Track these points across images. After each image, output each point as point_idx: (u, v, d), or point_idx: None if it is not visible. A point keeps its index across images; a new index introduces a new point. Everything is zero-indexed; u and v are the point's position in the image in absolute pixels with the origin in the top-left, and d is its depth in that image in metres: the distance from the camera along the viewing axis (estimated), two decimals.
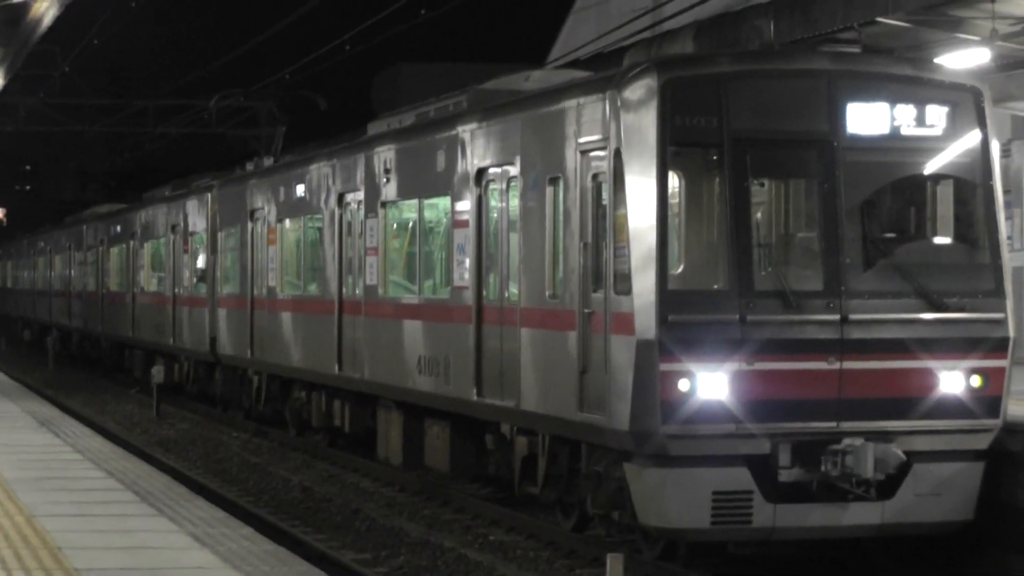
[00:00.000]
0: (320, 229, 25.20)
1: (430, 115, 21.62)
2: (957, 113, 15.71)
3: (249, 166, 33.36)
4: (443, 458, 20.61)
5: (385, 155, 22.29)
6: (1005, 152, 24.70)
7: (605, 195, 15.63)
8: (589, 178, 16.04)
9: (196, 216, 34.61)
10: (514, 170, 17.87)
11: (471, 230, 18.94)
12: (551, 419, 16.76)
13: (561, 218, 16.59)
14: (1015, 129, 25.53)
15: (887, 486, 15.11)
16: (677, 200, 15.52)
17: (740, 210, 15.12)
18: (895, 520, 15.26)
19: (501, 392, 17.98)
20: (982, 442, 15.48)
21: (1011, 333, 15.53)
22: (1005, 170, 21.81)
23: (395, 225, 22.29)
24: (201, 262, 33.99)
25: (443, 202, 20.05)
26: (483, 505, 20.36)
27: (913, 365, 15.23)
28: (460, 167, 19.41)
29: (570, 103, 16.45)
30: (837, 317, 15.09)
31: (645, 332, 14.78)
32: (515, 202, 17.84)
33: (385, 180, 22.24)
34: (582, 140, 16.13)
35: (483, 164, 18.75)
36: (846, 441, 14.91)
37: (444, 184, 19.91)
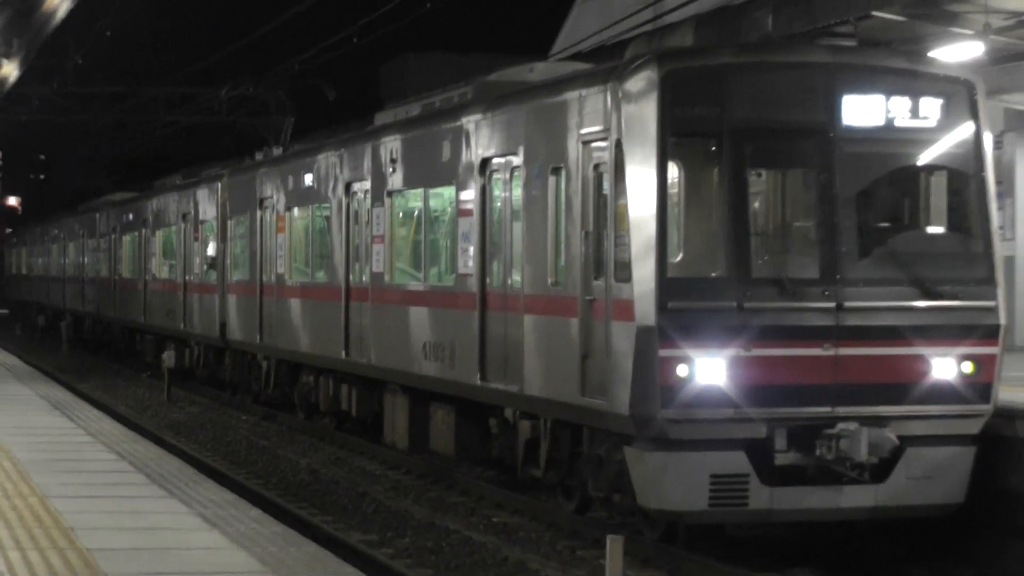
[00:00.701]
0: (328, 217, 25.30)
1: (436, 105, 21.70)
2: (951, 105, 15.83)
3: (258, 155, 33.53)
4: (448, 442, 20.72)
5: (392, 145, 22.42)
6: (998, 144, 24.79)
7: (606, 185, 15.74)
8: (591, 168, 16.16)
9: (206, 204, 34.79)
10: (518, 160, 17.98)
11: (475, 219, 19.06)
12: (553, 403, 16.92)
13: (563, 207, 16.72)
14: (1008, 121, 25.59)
15: (881, 470, 15.27)
16: (677, 190, 15.62)
17: (738, 199, 15.25)
18: (888, 503, 15.41)
19: (505, 377, 18.13)
20: (974, 427, 15.64)
21: (1002, 321, 15.68)
22: (998, 161, 21.98)
23: (401, 214, 22.35)
24: (211, 249, 34.16)
25: (448, 191, 20.15)
26: (487, 488, 20.49)
27: (907, 351, 15.38)
28: (465, 157, 19.53)
29: (572, 94, 16.58)
30: (833, 304, 15.24)
31: (645, 319, 14.94)
32: (518, 191, 17.94)
33: (391, 169, 22.39)
34: (584, 131, 16.25)
35: (487, 154, 18.87)
36: (841, 425, 15.08)
37: (449, 173, 20.04)
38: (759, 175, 15.90)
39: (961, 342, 15.52)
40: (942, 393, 15.49)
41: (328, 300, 25.04)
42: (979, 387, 15.57)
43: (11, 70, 32.11)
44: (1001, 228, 17.78)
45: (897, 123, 15.77)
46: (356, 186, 23.95)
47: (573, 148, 16.50)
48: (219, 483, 16.81)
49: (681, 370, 14.93)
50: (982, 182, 15.89)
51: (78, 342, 54.66)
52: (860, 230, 15.53)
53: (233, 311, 31.85)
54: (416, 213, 21.64)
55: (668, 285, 14.95)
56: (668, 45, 24.05)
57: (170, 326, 38.34)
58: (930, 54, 18.41)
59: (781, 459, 15.17)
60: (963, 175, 15.93)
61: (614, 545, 11.59)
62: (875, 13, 20.25)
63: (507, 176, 18.39)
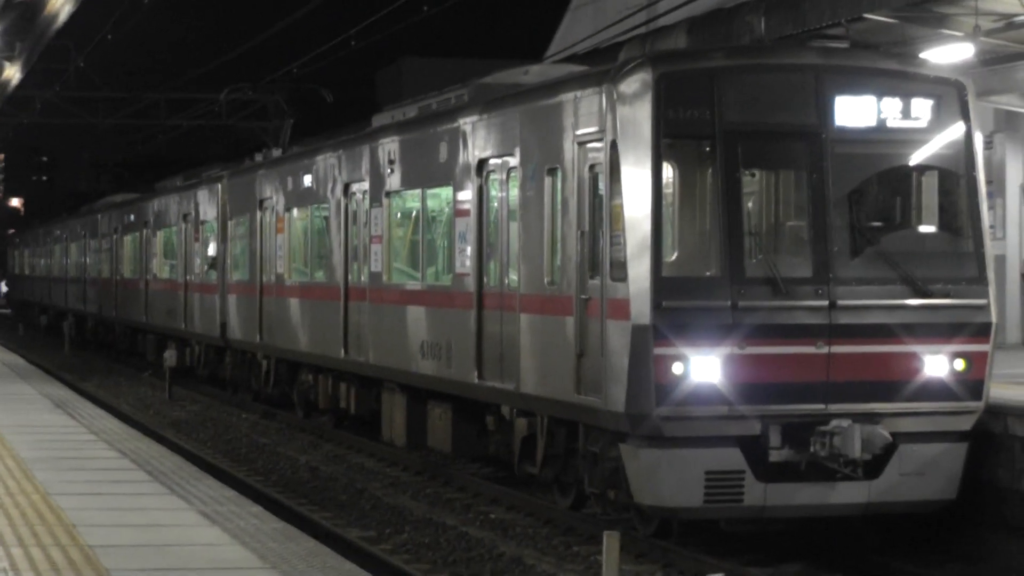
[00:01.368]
0: (327, 218, 25.36)
1: (432, 108, 21.77)
2: (941, 106, 15.93)
3: (258, 157, 33.60)
4: (445, 439, 20.78)
5: (389, 146, 22.49)
6: (988, 144, 24.93)
7: (602, 185, 15.81)
8: (586, 169, 16.24)
9: (207, 205, 34.89)
10: (514, 161, 18.07)
11: (472, 219, 19.13)
12: (549, 401, 17.00)
13: (559, 207, 16.79)
14: (997, 122, 25.65)
15: (873, 466, 15.34)
16: (671, 190, 15.69)
17: (732, 200, 15.33)
18: (881, 499, 15.50)
19: (501, 375, 18.21)
20: (965, 424, 15.73)
21: (993, 319, 15.77)
22: (988, 162, 22.07)
23: (399, 214, 22.42)
24: (212, 250, 34.25)
25: (445, 192, 20.22)
26: (484, 484, 20.57)
27: (899, 349, 15.46)
28: (462, 158, 19.62)
29: (568, 96, 16.65)
30: (825, 303, 15.33)
31: (640, 317, 15.03)
32: (515, 192, 18.03)
33: (389, 171, 22.48)
34: (579, 132, 16.33)
35: (484, 155, 18.93)
36: (834, 422, 15.15)
37: (446, 174, 20.12)
38: (752, 176, 15.96)
39: (953, 340, 15.61)
40: (934, 390, 15.58)
41: (327, 300, 25.14)
42: (971, 384, 15.66)
43: (14, 73, 32.26)
44: (991, 227, 17.93)
45: (888, 124, 15.85)
46: (354, 187, 24.05)
47: (568, 149, 16.59)
48: (219, 480, 16.84)
49: (676, 368, 15.02)
50: (973, 182, 15.98)
51: (80, 341, 54.73)
52: (852, 230, 15.60)
53: (233, 311, 31.94)
54: (414, 213, 21.70)
55: (663, 284, 15.04)
56: (661, 48, 24.15)
57: (171, 326, 38.43)
58: (921, 56, 18.53)
59: (775, 456, 15.25)
60: (954, 175, 16.02)
61: (611, 540, 11.65)
62: (866, 15, 20.31)
63: (503, 177, 18.49)
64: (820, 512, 15.65)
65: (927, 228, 16.14)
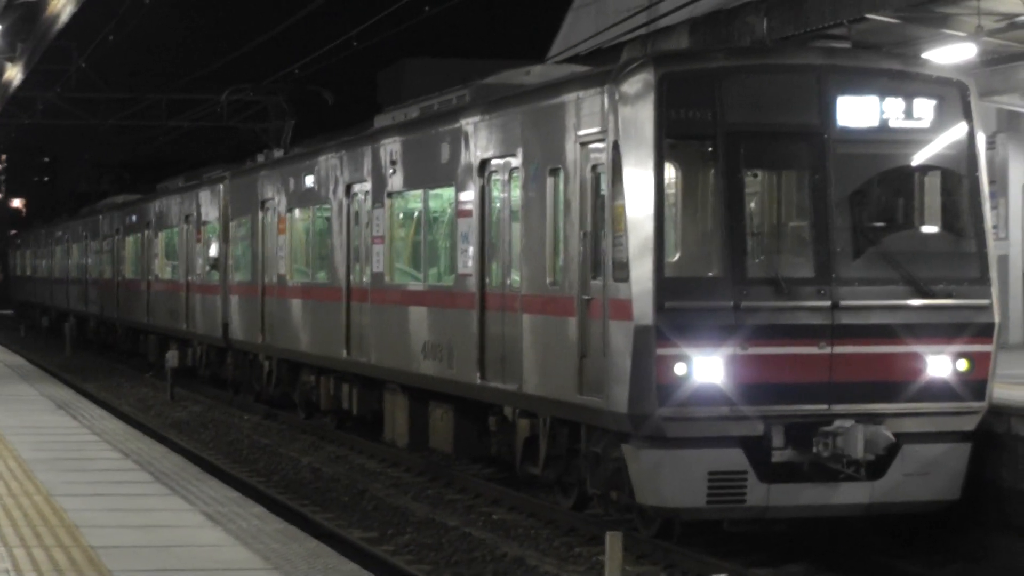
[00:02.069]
0: (328, 219, 25.39)
1: (434, 108, 21.78)
2: (944, 106, 15.94)
3: (260, 158, 33.65)
4: (447, 440, 20.82)
5: (391, 147, 22.51)
6: (990, 144, 24.93)
7: (604, 186, 15.82)
8: (588, 169, 16.25)
9: (208, 206, 34.93)
10: (516, 161, 18.08)
11: (474, 219, 19.15)
12: (551, 402, 17.02)
13: (561, 208, 16.81)
14: (1000, 122, 25.65)
15: (876, 466, 15.36)
16: (673, 191, 15.68)
17: (734, 200, 15.36)
18: (884, 499, 15.52)
19: (503, 376, 18.23)
20: (968, 424, 15.75)
21: (996, 319, 15.78)
22: (990, 162, 22.05)
23: (401, 215, 22.44)
24: (213, 251, 34.28)
25: (447, 192, 20.24)
26: (486, 485, 20.59)
27: (902, 350, 15.47)
28: (464, 159, 19.63)
29: (570, 97, 16.67)
30: (828, 303, 15.34)
31: (642, 318, 15.04)
32: (517, 192, 18.05)
33: (391, 171, 22.50)
34: (581, 132, 16.34)
35: (486, 156, 18.96)
36: (837, 423, 15.17)
37: (448, 175, 20.14)
38: (755, 176, 15.98)
39: (955, 340, 15.63)
40: (937, 390, 15.60)
41: (329, 300, 25.17)
42: (974, 384, 15.68)
43: (15, 73, 32.30)
44: (994, 227, 17.92)
45: (891, 124, 15.87)
46: (356, 187, 24.07)
47: (571, 149, 16.60)
48: (222, 481, 16.87)
49: (678, 368, 15.04)
50: (975, 182, 15.99)
51: (82, 342, 54.79)
52: (855, 230, 15.62)
53: (235, 311, 31.98)
54: (416, 214, 21.73)
55: (665, 285, 15.06)
56: (663, 48, 24.16)
57: (173, 326, 38.47)
58: (923, 56, 18.55)
59: (778, 456, 15.28)
60: (956, 175, 16.04)
61: (613, 541, 11.65)
62: (868, 16, 20.31)
63: (506, 177, 18.50)
64: (823, 512, 15.67)
65: (929, 228, 16.16)
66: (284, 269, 28.26)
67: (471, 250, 19.24)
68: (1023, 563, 15.65)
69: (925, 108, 15.95)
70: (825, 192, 15.61)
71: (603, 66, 17.58)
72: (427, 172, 21.05)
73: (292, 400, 29.23)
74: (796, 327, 15.33)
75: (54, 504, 14.18)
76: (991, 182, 17.43)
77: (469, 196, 19.40)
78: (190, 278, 36.60)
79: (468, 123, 19.58)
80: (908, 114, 15.91)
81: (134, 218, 45.14)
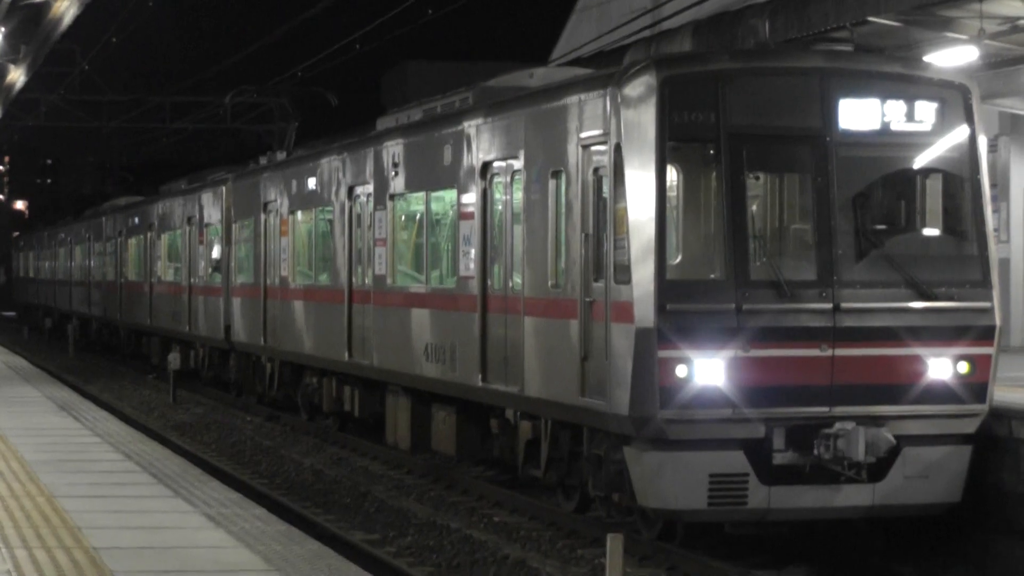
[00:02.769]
0: (331, 221, 25.41)
1: (437, 111, 21.78)
2: (946, 109, 15.95)
3: (262, 160, 33.70)
4: (449, 442, 20.82)
5: (394, 149, 22.52)
6: (992, 147, 24.96)
7: (606, 188, 15.84)
8: (590, 172, 16.26)
9: (211, 208, 34.97)
10: (518, 164, 18.08)
11: (477, 222, 19.17)
12: (553, 404, 17.03)
13: (563, 210, 16.83)
14: (1002, 125, 25.67)
15: (877, 469, 15.38)
16: (675, 193, 15.70)
17: (736, 203, 15.36)
18: (885, 502, 15.52)
19: (505, 378, 18.23)
20: (970, 426, 15.76)
21: (997, 322, 15.79)
22: (992, 165, 22.10)
23: (403, 217, 22.44)
24: (216, 253, 34.31)
25: (450, 195, 20.26)
26: (488, 487, 20.60)
27: (903, 352, 15.49)
28: (466, 161, 19.64)
29: (572, 99, 16.69)
30: (830, 306, 15.35)
31: (644, 320, 15.05)
32: (519, 195, 18.05)
33: (394, 173, 22.51)
34: (584, 135, 16.36)
35: (488, 158, 18.97)
36: (838, 425, 15.19)
37: (450, 177, 20.15)
38: (757, 179, 15.98)
39: (957, 343, 15.64)
40: (938, 393, 15.61)
41: (331, 303, 25.18)
42: (975, 387, 15.69)
43: (18, 76, 32.34)
44: (995, 230, 17.94)
45: (893, 127, 15.88)
46: (359, 190, 24.09)
47: (573, 152, 16.62)
48: (224, 483, 16.91)
49: (680, 371, 15.05)
50: (977, 185, 16.00)
51: (85, 344, 54.84)
52: (856, 233, 15.64)
53: (238, 313, 32.01)
54: (418, 216, 21.74)
55: (667, 287, 15.07)
56: (666, 51, 24.18)
57: (176, 328, 38.50)
58: (925, 59, 18.53)
59: (779, 459, 15.29)
60: (958, 178, 16.04)
61: (614, 543, 11.68)
62: (871, 19, 20.35)
63: (508, 180, 18.52)
64: (824, 515, 15.68)
65: (931, 231, 16.16)
66: (287, 271, 28.28)
67: (473, 252, 19.26)
68: None
69: (927, 111, 15.97)
70: (827, 195, 15.63)
71: (606, 69, 17.57)
72: (429, 174, 21.07)
73: (294, 402, 29.26)
74: (798, 329, 15.35)
75: (56, 505, 14.20)
76: (993, 185, 17.47)
77: (471, 198, 19.41)
78: (193, 280, 36.64)
79: (470, 125, 19.59)
80: (910, 117, 15.93)
81: (137, 220, 45.18)
